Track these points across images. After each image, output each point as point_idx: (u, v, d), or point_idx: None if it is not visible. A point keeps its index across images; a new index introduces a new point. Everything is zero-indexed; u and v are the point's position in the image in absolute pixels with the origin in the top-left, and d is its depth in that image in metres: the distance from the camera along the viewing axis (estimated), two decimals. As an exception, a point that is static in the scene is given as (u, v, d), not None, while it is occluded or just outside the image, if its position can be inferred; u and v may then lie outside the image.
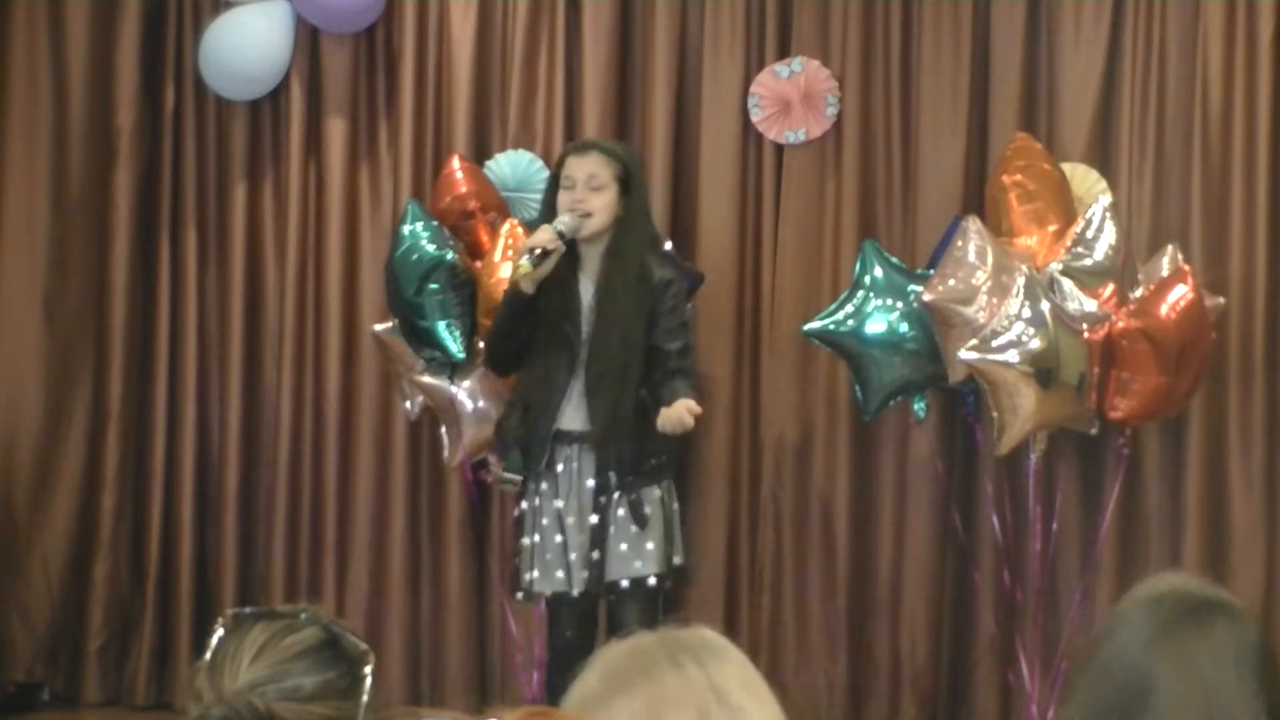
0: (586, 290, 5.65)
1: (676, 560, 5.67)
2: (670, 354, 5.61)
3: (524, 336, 5.65)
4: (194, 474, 7.25)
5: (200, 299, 7.27)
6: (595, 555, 5.56)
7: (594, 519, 5.57)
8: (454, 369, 6.53)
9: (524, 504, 5.69)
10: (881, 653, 6.87)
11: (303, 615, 2.41)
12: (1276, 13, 6.64)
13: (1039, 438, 6.33)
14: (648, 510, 5.57)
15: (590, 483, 5.59)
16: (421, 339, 6.50)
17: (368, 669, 2.41)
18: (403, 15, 7.11)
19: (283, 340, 7.19)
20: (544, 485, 5.63)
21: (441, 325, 6.43)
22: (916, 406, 6.52)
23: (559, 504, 5.62)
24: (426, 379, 6.61)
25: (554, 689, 5.82)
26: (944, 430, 6.79)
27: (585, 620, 5.68)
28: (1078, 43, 6.78)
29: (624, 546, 5.57)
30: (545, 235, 5.55)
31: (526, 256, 5.52)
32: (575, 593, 5.59)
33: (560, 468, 5.62)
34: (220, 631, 2.40)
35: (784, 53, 6.95)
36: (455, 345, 6.45)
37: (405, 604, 7.10)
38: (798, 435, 6.90)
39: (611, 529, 5.57)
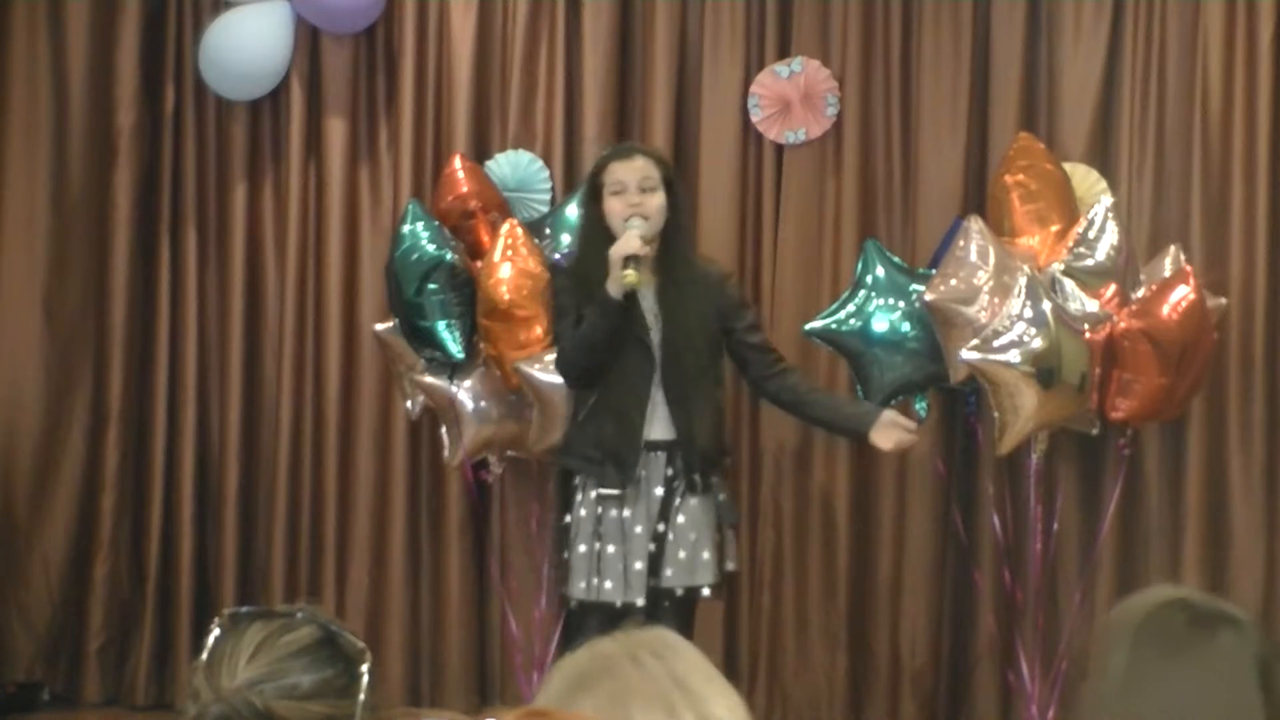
0: (647, 296, 5.57)
1: (730, 566, 5.67)
2: (760, 350, 5.73)
3: (617, 348, 5.53)
4: (194, 474, 7.25)
5: (200, 299, 7.27)
6: (659, 563, 5.52)
7: (660, 527, 5.53)
8: (454, 369, 6.54)
9: (582, 512, 5.58)
10: (881, 653, 6.87)
11: (299, 614, 2.41)
12: (1276, 13, 6.64)
13: (1040, 438, 6.33)
14: (699, 512, 5.54)
15: (658, 491, 5.53)
16: (422, 339, 6.50)
17: (365, 667, 2.42)
18: (403, 15, 7.11)
19: (283, 340, 7.19)
20: (609, 492, 5.56)
21: (441, 325, 6.44)
22: (918, 406, 6.52)
23: (625, 513, 5.55)
24: (427, 379, 6.61)
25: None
26: (944, 430, 6.79)
27: (614, 630, 5.63)
28: (1078, 43, 6.78)
29: (682, 555, 5.53)
30: (635, 242, 5.41)
31: (631, 266, 5.38)
32: (640, 601, 5.51)
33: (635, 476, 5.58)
34: (217, 631, 2.41)
35: (784, 53, 6.95)
36: (455, 345, 6.46)
37: (405, 604, 7.10)
38: (798, 435, 6.89)
39: (671, 536, 5.54)
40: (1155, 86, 6.72)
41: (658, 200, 5.53)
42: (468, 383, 6.57)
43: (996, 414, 6.10)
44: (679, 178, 5.79)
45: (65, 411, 7.24)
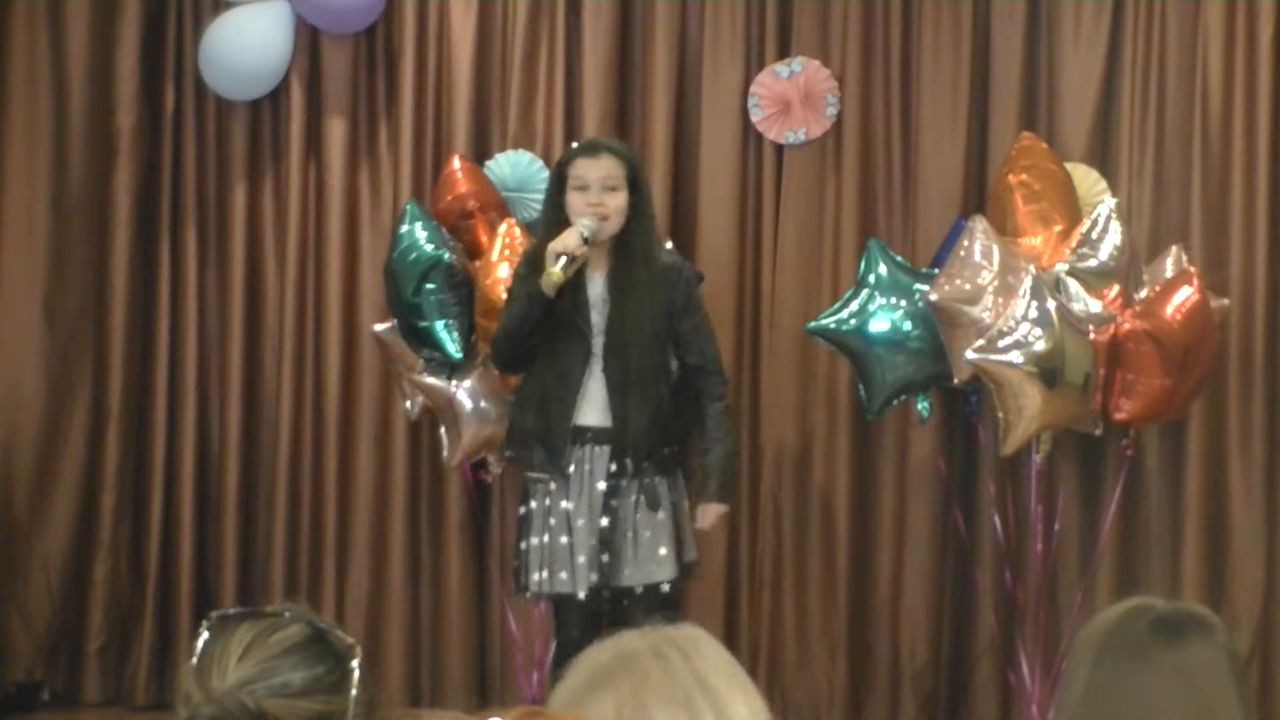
0: (596, 284, 5.63)
1: (689, 557, 5.68)
2: (701, 358, 5.68)
3: (540, 336, 5.61)
4: (194, 474, 7.25)
5: (200, 299, 7.26)
6: (605, 558, 5.55)
7: (604, 521, 5.56)
8: (452, 369, 6.54)
9: (532, 503, 5.66)
10: (881, 653, 6.87)
11: (287, 613, 2.41)
12: (1276, 13, 6.64)
13: (1043, 439, 6.32)
14: (660, 495, 5.58)
15: (601, 485, 5.57)
16: (420, 339, 6.51)
17: (355, 663, 2.41)
18: (403, 15, 7.10)
19: (283, 340, 7.19)
20: (553, 485, 5.62)
21: (440, 325, 6.44)
22: (920, 406, 6.52)
23: (568, 505, 5.60)
24: (426, 379, 6.61)
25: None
26: (946, 430, 6.79)
27: (591, 620, 5.67)
28: (1078, 43, 6.78)
29: (635, 552, 5.56)
30: (574, 240, 5.49)
31: (560, 263, 5.45)
32: (581, 595, 5.57)
33: (572, 469, 5.60)
34: (206, 633, 2.41)
35: (784, 53, 6.95)
36: (453, 345, 6.46)
37: (405, 604, 7.09)
38: (798, 435, 6.89)
39: (628, 534, 5.56)
40: (1155, 86, 6.72)
41: (618, 201, 5.59)
42: (466, 383, 6.57)
43: (1001, 414, 6.10)
44: (645, 176, 5.79)
45: (65, 411, 7.24)
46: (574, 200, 5.61)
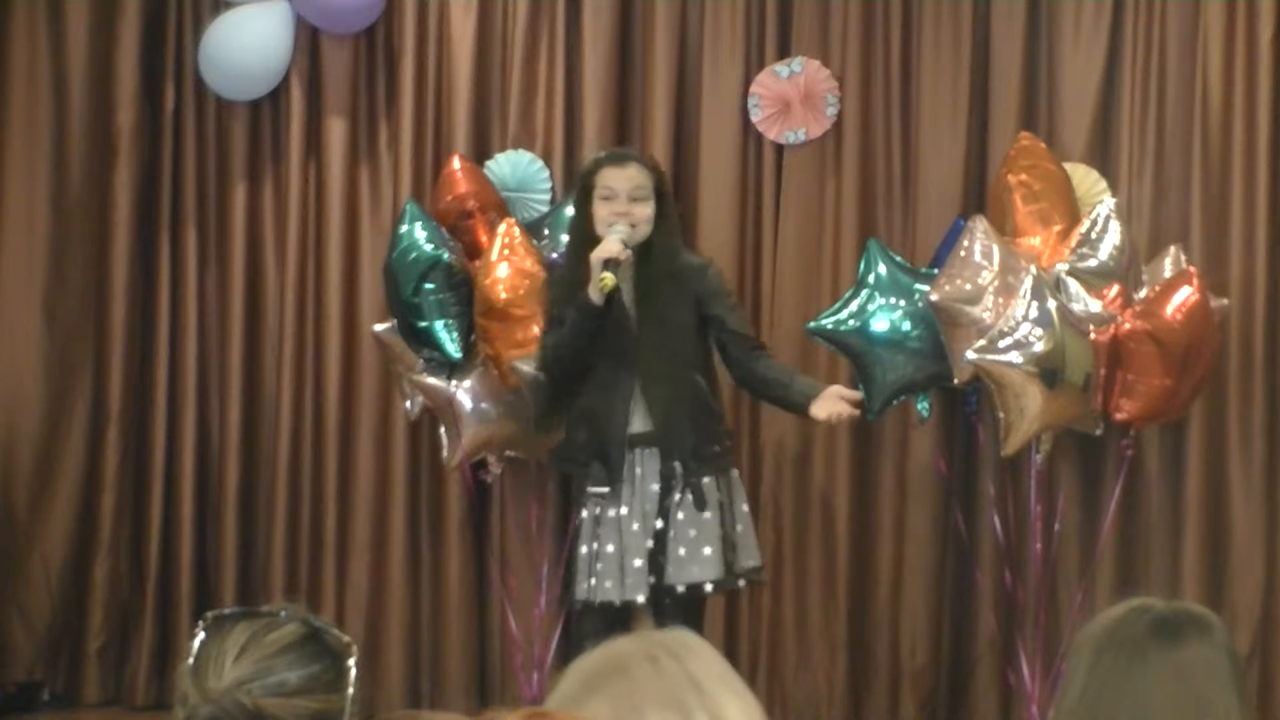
0: (627, 295, 5.62)
1: (750, 563, 5.67)
2: (737, 336, 5.69)
3: (595, 350, 5.59)
4: (194, 474, 7.25)
5: (200, 299, 7.27)
6: (661, 559, 5.54)
7: (659, 524, 5.55)
8: (452, 369, 6.54)
9: (583, 513, 5.64)
10: (881, 653, 6.87)
11: (283, 613, 2.41)
12: (1276, 13, 6.64)
13: (1044, 439, 6.32)
14: (706, 495, 5.56)
15: (654, 487, 5.57)
16: (420, 339, 6.51)
17: (351, 661, 2.41)
18: (403, 15, 7.10)
19: (283, 340, 7.19)
20: (606, 490, 5.60)
21: (439, 325, 6.44)
22: (920, 406, 6.52)
23: (621, 511, 5.58)
24: (426, 379, 6.61)
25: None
26: (946, 430, 6.79)
27: (614, 630, 5.66)
28: (1078, 43, 6.78)
29: (682, 551, 5.55)
30: (615, 247, 5.47)
31: (606, 270, 5.43)
32: (640, 599, 5.54)
33: (624, 474, 5.60)
34: (201, 634, 2.40)
35: (784, 53, 6.95)
36: (453, 345, 6.46)
37: (405, 604, 7.09)
38: (798, 435, 6.89)
39: (671, 533, 5.56)
40: (1155, 86, 6.72)
41: (647, 210, 5.60)
42: (466, 383, 6.57)
43: (1002, 415, 6.09)
44: (669, 185, 5.80)
45: (65, 411, 7.24)
46: (600, 209, 5.59)
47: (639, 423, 5.59)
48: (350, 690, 2.41)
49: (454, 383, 6.56)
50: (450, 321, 6.44)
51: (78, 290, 7.26)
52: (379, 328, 6.79)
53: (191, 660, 2.40)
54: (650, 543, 5.54)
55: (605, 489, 5.57)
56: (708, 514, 5.56)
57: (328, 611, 6.98)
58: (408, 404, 6.79)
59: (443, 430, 6.69)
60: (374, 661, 6.95)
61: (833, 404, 5.63)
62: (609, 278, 5.41)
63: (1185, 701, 2.45)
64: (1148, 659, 2.47)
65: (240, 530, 7.23)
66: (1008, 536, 6.63)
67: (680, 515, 5.55)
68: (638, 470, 5.58)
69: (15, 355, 7.23)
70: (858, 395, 5.77)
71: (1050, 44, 6.81)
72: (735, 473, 5.75)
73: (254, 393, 7.26)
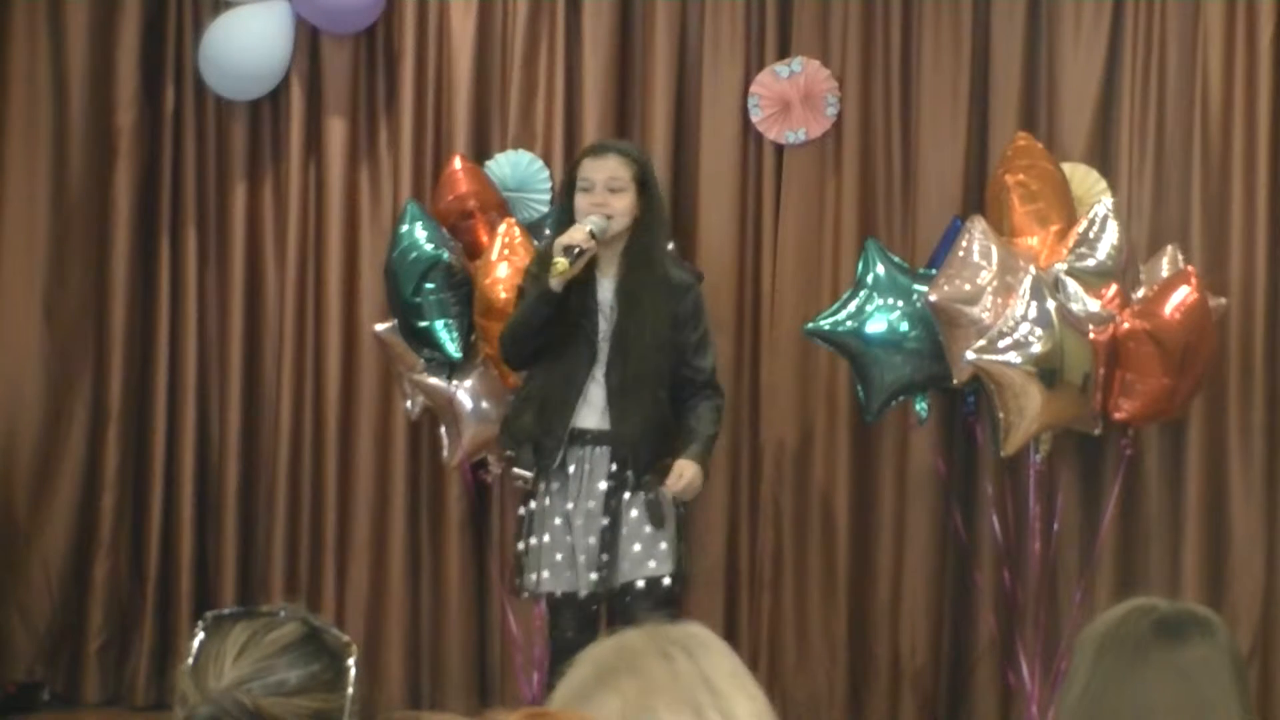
0: (605, 289, 5.65)
1: (687, 565, 5.71)
2: (695, 370, 5.67)
3: (547, 335, 5.63)
4: (194, 474, 7.25)
5: (200, 299, 7.26)
6: (605, 558, 5.56)
7: (604, 520, 5.58)
8: (452, 369, 6.54)
9: (532, 504, 5.68)
10: (881, 653, 6.87)
11: (282, 612, 2.41)
12: (1276, 13, 6.64)
13: (1043, 439, 6.32)
14: (664, 510, 5.58)
15: (602, 484, 5.59)
16: (420, 339, 6.51)
17: (351, 661, 2.41)
18: (403, 15, 7.10)
19: (283, 340, 7.19)
20: (555, 485, 5.64)
21: (439, 325, 6.44)
22: (918, 407, 6.52)
23: (569, 505, 5.62)
24: (426, 379, 6.61)
25: (553, 689, 5.80)
26: (944, 430, 6.78)
27: (587, 621, 5.68)
28: (1078, 43, 6.78)
29: (637, 547, 5.57)
30: (580, 234, 5.52)
31: (563, 255, 5.49)
32: (583, 594, 5.59)
33: (572, 469, 5.62)
34: (201, 634, 2.40)
35: (784, 53, 6.95)
36: (453, 345, 6.46)
37: (405, 604, 7.09)
38: (798, 435, 6.89)
39: (624, 530, 5.58)
40: (1155, 86, 6.72)
41: (623, 202, 5.62)
42: (467, 383, 6.57)
43: (1001, 415, 6.09)
44: (654, 177, 5.79)
45: (65, 411, 7.24)
46: (580, 201, 5.64)
47: (591, 419, 5.61)
48: (350, 690, 2.41)
49: (454, 383, 6.56)
50: (450, 321, 6.44)
51: (78, 290, 7.25)
52: (379, 328, 6.79)
53: (191, 660, 2.40)
54: (594, 539, 5.56)
55: (529, 474, 5.62)
56: (663, 524, 5.56)
57: (328, 611, 6.98)
58: (408, 404, 6.79)
59: (443, 430, 6.69)
60: (374, 661, 6.95)
61: (685, 475, 5.59)
62: (561, 263, 5.46)
63: (1187, 702, 2.45)
64: (1150, 659, 2.47)
65: (240, 530, 7.23)
66: (1007, 537, 6.63)
67: (634, 513, 5.58)
68: (586, 466, 5.61)
69: (15, 355, 7.23)
70: (687, 483, 5.62)
71: (1050, 44, 6.81)
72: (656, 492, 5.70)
73: (254, 393, 7.26)
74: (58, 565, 7.22)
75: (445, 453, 6.70)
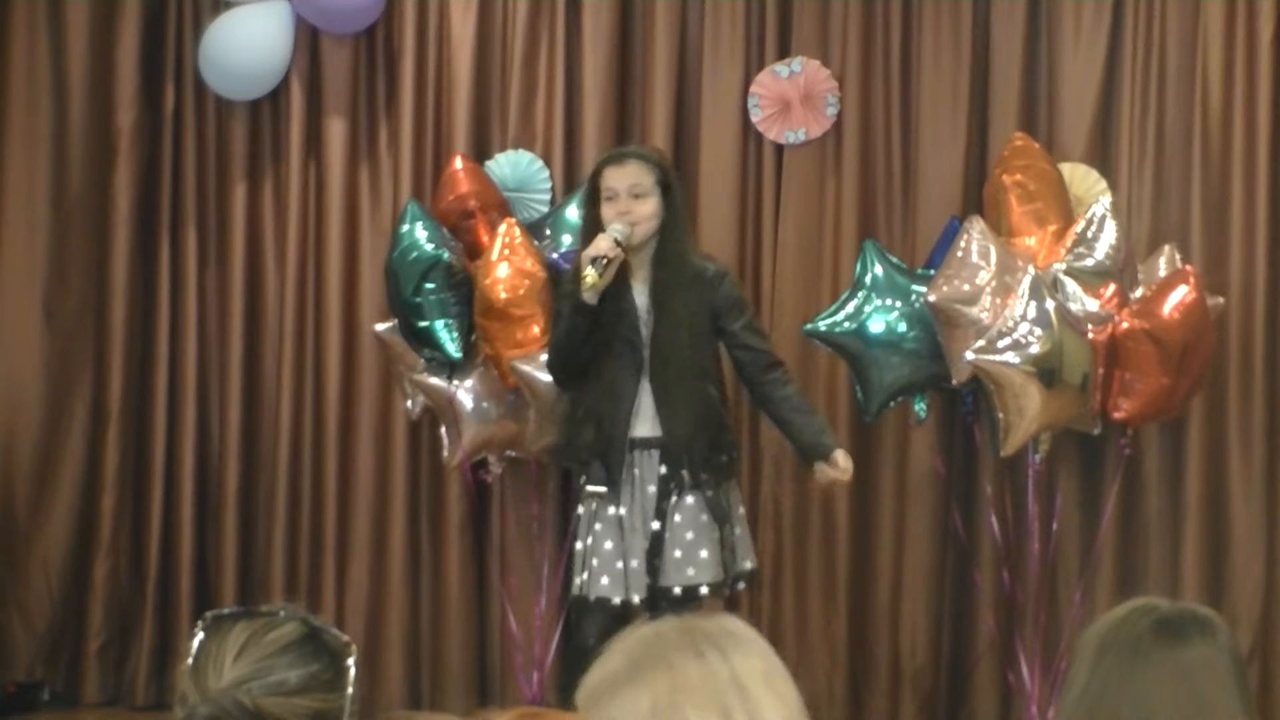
0: (640, 294, 5.65)
1: (746, 566, 5.71)
2: (754, 353, 5.70)
3: (592, 347, 5.62)
4: (194, 474, 7.25)
5: (200, 299, 7.27)
6: (657, 562, 5.57)
7: (656, 525, 5.57)
8: (453, 369, 6.54)
9: (580, 509, 5.68)
10: (881, 653, 6.87)
11: (281, 612, 2.41)
12: (1276, 13, 6.64)
13: (1043, 439, 6.32)
14: (694, 511, 5.59)
15: (652, 489, 5.59)
16: (420, 339, 6.51)
17: (350, 660, 2.41)
18: (403, 15, 7.10)
19: (283, 340, 7.19)
20: (604, 489, 5.63)
21: (440, 325, 6.44)
22: (917, 407, 6.52)
23: (621, 510, 5.60)
24: (427, 379, 6.61)
25: (567, 691, 5.81)
26: (944, 431, 6.78)
27: (614, 628, 5.66)
28: (1078, 43, 6.78)
29: (678, 554, 5.58)
30: (606, 244, 5.51)
31: (592, 267, 5.47)
32: (636, 599, 5.57)
33: (622, 475, 5.62)
34: (201, 634, 2.41)
35: (784, 53, 6.95)
36: (453, 345, 6.46)
37: (405, 604, 7.09)
38: (798, 435, 6.88)
39: (668, 535, 5.58)
40: (1155, 86, 6.72)
41: (647, 207, 5.62)
42: (467, 383, 6.57)
43: (1001, 415, 6.09)
44: (677, 179, 5.80)
45: (65, 411, 7.24)
46: (605, 210, 5.63)
47: (643, 428, 5.61)
48: (349, 690, 2.41)
49: (454, 383, 6.56)
50: (450, 321, 6.44)
51: (78, 290, 7.26)
52: (379, 328, 6.79)
53: (191, 660, 2.40)
54: (646, 544, 5.56)
55: (603, 489, 5.60)
56: (704, 517, 5.57)
57: (328, 611, 6.99)
58: (408, 404, 6.79)
59: (443, 430, 6.69)
60: (374, 661, 6.95)
61: (830, 473, 5.67)
62: (591, 274, 5.46)
63: (1187, 701, 2.45)
64: (1150, 658, 2.47)
65: (240, 530, 7.23)
66: (1006, 537, 6.63)
67: (678, 518, 5.57)
68: (636, 471, 5.60)
69: (15, 355, 7.23)
70: (847, 473, 5.71)
71: (1050, 44, 6.81)
72: (734, 480, 5.77)
73: (254, 393, 7.26)
74: (58, 565, 7.22)
75: (445, 453, 6.70)
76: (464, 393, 6.57)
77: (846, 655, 6.87)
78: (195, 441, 7.26)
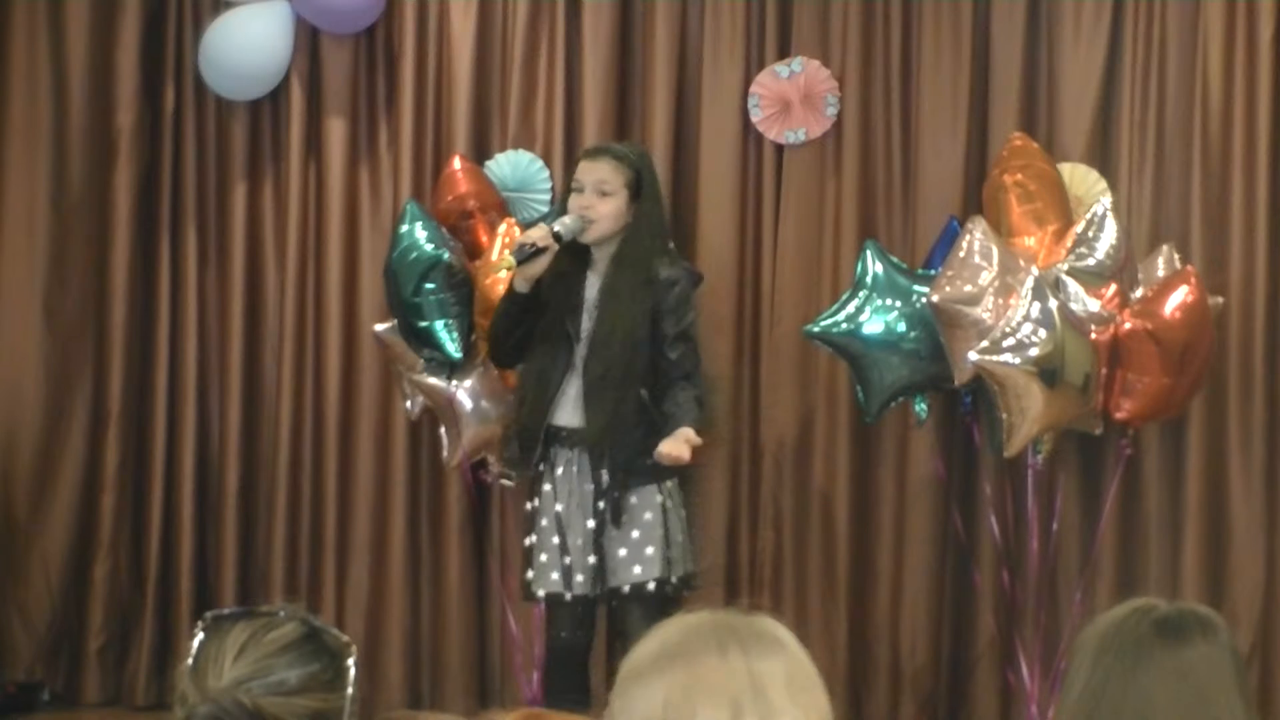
0: (592, 288, 5.68)
1: (687, 569, 5.68)
2: (671, 363, 5.63)
3: (523, 332, 5.68)
4: (194, 474, 7.25)
5: (200, 299, 7.26)
6: (592, 560, 5.58)
7: (591, 523, 5.59)
8: (452, 369, 6.54)
9: (527, 504, 5.74)
10: (881, 653, 6.86)
11: (281, 612, 2.41)
12: (1276, 13, 6.64)
13: (1045, 439, 6.32)
14: (638, 510, 5.59)
15: (589, 486, 5.61)
16: (420, 339, 6.51)
17: (350, 660, 2.42)
18: (403, 15, 7.10)
19: (283, 340, 7.19)
20: (547, 486, 5.67)
21: (439, 325, 6.44)
22: (917, 407, 6.52)
23: (559, 506, 5.64)
24: (426, 379, 6.61)
25: (550, 689, 5.84)
26: (944, 431, 6.78)
27: (582, 621, 5.69)
28: (1078, 43, 6.78)
29: (622, 552, 5.59)
30: (538, 233, 5.60)
31: (514, 252, 5.59)
32: (569, 596, 5.62)
33: (560, 470, 5.64)
34: (201, 634, 2.41)
35: (784, 53, 6.95)
36: (453, 345, 6.46)
37: (405, 604, 7.09)
38: (798, 436, 6.89)
39: (611, 533, 5.59)
40: (1155, 86, 6.72)
41: (607, 207, 5.64)
42: (467, 383, 6.57)
43: (1004, 416, 6.09)
44: (653, 180, 5.79)
45: (65, 411, 7.24)
46: (570, 201, 5.69)
47: (564, 416, 5.64)
48: (349, 690, 2.41)
49: (454, 383, 6.56)
50: (450, 321, 6.44)
51: (78, 290, 7.25)
52: (379, 328, 6.79)
53: (191, 660, 2.40)
54: (580, 542, 5.60)
55: (513, 470, 5.77)
56: (649, 515, 5.57)
57: (328, 611, 6.99)
58: (408, 404, 6.79)
59: (443, 430, 6.69)
60: (374, 661, 6.95)
61: (672, 445, 5.52)
62: (508, 259, 5.59)
63: (1188, 701, 2.45)
64: (1150, 658, 2.47)
65: (240, 530, 7.23)
66: (1006, 537, 6.63)
67: (624, 517, 5.60)
68: (574, 467, 5.64)
69: (15, 355, 7.23)
70: (685, 449, 5.53)
71: (1050, 44, 6.81)
72: (675, 480, 5.68)
73: (254, 393, 7.26)
74: (58, 565, 7.22)
75: (445, 453, 6.70)
76: (464, 393, 6.57)
77: (846, 655, 6.87)
78: (195, 441, 7.26)
